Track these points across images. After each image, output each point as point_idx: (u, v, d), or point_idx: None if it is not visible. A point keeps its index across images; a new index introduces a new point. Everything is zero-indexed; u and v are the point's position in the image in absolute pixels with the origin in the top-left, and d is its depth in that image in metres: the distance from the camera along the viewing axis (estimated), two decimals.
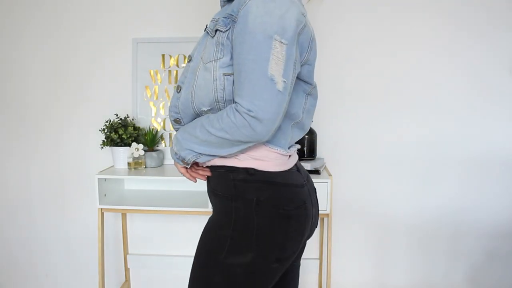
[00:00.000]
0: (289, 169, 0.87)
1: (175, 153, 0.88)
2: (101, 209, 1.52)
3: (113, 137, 1.61)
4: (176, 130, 0.93)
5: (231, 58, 0.79)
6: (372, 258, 1.81)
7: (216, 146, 0.80)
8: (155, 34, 1.75)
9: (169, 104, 0.93)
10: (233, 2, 0.80)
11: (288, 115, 0.85)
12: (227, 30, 0.78)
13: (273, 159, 0.85)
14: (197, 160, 0.86)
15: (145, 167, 1.66)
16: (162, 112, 1.77)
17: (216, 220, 0.86)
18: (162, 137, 1.77)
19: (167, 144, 1.77)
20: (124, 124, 1.66)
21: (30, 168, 1.87)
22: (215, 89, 0.80)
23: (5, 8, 1.80)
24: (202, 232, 0.89)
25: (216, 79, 0.79)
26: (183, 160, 0.87)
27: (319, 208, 0.97)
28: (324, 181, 1.42)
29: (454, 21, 1.64)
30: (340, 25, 1.68)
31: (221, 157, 0.84)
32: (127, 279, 1.89)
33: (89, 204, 1.85)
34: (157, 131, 1.75)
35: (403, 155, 1.73)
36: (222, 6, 0.90)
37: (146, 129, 1.73)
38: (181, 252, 1.86)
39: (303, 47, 0.81)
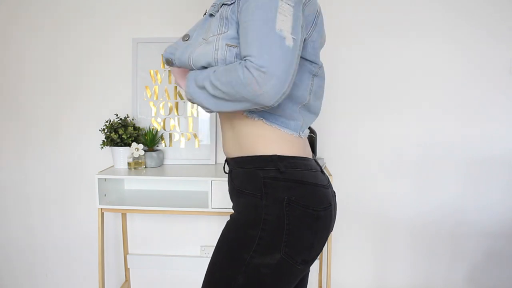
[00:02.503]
0: (316, 169, 0.87)
1: (187, 95, 0.85)
2: (101, 209, 1.52)
3: (113, 137, 1.61)
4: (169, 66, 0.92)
5: (236, 32, 0.78)
6: (372, 258, 1.81)
7: (221, 100, 0.77)
8: (155, 34, 1.75)
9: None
10: None
11: (293, 98, 0.83)
12: (232, 3, 0.78)
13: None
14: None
15: (145, 167, 1.66)
16: (162, 112, 1.77)
17: (241, 220, 0.84)
18: (162, 137, 1.77)
19: (167, 144, 1.77)
20: (124, 124, 1.66)
21: (30, 168, 1.87)
22: (216, 58, 0.78)
23: (4, 8, 1.80)
24: (224, 232, 0.87)
25: (217, 49, 0.78)
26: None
27: None
28: None
29: (454, 21, 1.64)
30: (340, 24, 1.68)
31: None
32: (127, 279, 1.89)
33: (89, 204, 1.85)
34: (157, 131, 1.75)
35: (403, 155, 1.73)
36: None
37: (146, 129, 1.73)
38: (181, 252, 1.86)
39: (308, 20, 0.80)
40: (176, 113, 1.77)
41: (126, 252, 1.86)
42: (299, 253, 0.81)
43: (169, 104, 1.77)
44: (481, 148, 1.69)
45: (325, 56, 1.67)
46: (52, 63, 1.81)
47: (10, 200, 1.91)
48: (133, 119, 1.75)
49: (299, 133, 0.86)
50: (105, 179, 1.52)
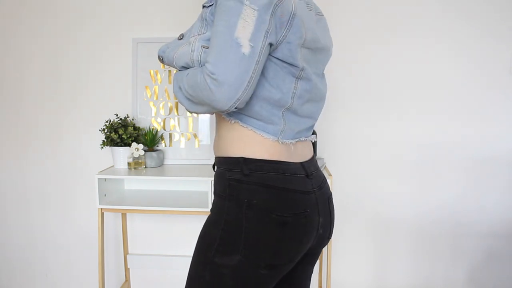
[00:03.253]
0: (293, 174, 0.83)
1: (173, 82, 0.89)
2: (101, 209, 1.52)
3: (113, 137, 1.61)
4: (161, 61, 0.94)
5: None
6: (372, 258, 1.81)
7: (190, 102, 0.81)
8: (155, 34, 1.75)
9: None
10: None
11: (271, 101, 0.81)
12: (210, 5, 0.80)
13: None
14: None
15: (145, 167, 1.66)
16: (162, 112, 1.77)
17: (210, 219, 0.87)
18: (162, 137, 1.77)
19: (167, 144, 1.77)
20: (124, 124, 1.66)
21: (30, 168, 1.87)
22: (192, 60, 0.80)
23: (4, 8, 1.80)
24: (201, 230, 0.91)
25: (194, 50, 0.80)
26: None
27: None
28: None
29: (455, 21, 1.64)
30: (340, 25, 1.68)
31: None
32: (127, 279, 1.89)
33: (89, 204, 1.85)
34: (157, 131, 1.75)
35: (403, 154, 1.73)
36: None
37: (146, 129, 1.73)
38: (181, 252, 1.86)
39: (281, 21, 0.76)
40: (176, 113, 1.77)
41: (126, 252, 1.86)
42: (260, 257, 0.80)
43: (169, 104, 1.77)
44: (481, 148, 1.69)
45: None
46: (52, 63, 1.81)
47: (10, 200, 1.91)
48: (133, 119, 1.75)
49: (278, 138, 0.83)
50: (105, 179, 1.52)
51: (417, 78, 1.68)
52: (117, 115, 1.71)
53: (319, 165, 1.54)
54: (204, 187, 1.68)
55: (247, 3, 0.72)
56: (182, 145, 1.77)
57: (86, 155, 1.83)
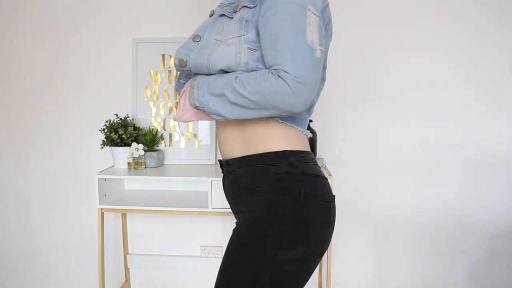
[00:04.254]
0: (318, 164, 0.90)
1: (193, 103, 0.84)
2: (101, 209, 1.52)
3: (113, 137, 1.61)
4: (179, 71, 0.90)
5: (256, 34, 0.78)
6: (372, 258, 1.81)
7: (244, 108, 0.77)
8: (155, 34, 1.75)
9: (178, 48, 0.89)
10: None
11: None
12: (254, 6, 0.79)
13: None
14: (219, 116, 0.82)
15: (145, 167, 1.66)
16: (162, 112, 1.77)
17: (258, 218, 0.82)
18: (162, 137, 1.77)
19: (167, 144, 1.77)
20: (124, 124, 1.66)
21: (30, 168, 1.87)
22: (238, 62, 0.78)
23: (4, 8, 1.80)
24: (237, 233, 0.86)
25: (240, 52, 0.78)
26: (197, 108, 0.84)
27: None
28: None
29: (455, 21, 1.64)
30: (341, 26, 1.68)
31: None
32: (127, 279, 1.89)
33: (89, 204, 1.85)
34: (157, 131, 1.75)
35: (403, 154, 1.73)
36: None
37: (146, 129, 1.73)
38: (181, 252, 1.86)
39: (325, 27, 0.83)
40: (176, 113, 1.76)
41: (126, 252, 1.86)
42: (318, 244, 0.83)
43: (169, 104, 1.77)
44: (481, 148, 1.69)
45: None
46: (52, 63, 1.81)
47: (11, 199, 1.91)
48: (133, 119, 1.75)
49: (304, 130, 0.89)
50: (105, 179, 1.52)
51: (417, 78, 1.68)
52: (117, 115, 1.71)
53: (319, 165, 1.54)
54: (204, 187, 1.68)
55: (310, 8, 0.75)
56: (182, 145, 1.77)
57: (86, 155, 1.83)
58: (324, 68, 0.91)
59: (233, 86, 0.76)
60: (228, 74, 0.80)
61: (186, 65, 0.86)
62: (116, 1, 1.76)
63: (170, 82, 1.76)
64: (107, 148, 1.68)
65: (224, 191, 0.99)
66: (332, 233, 0.87)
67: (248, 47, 0.78)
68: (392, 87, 1.70)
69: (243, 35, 0.79)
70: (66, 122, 1.83)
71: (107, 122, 1.66)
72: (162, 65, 1.75)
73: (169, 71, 1.76)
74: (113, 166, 1.69)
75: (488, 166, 1.70)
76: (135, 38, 1.75)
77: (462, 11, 1.63)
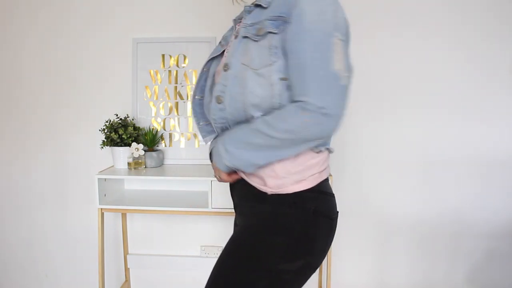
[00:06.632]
0: (328, 177, 0.90)
1: (225, 165, 0.84)
2: (101, 209, 1.52)
3: (113, 137, 1.61)
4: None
5: (285, 60, 0.77)
6: (372, 258, 1.81)
7: (277, 149, 0.77)
8: (155, 34, 1.75)
9: (212, 115, 0.87)
10: (273, 5, 0.80)
11: None
12: (280, 32, 0.77)
13: (326, 162, 0.89)
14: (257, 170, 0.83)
15: (145, 167, 1.66)
16: (162, 112, 1.77)
17: (265, 226, 0.83)
18: (162, 137, 1.77)
19: (167, 144, 1.77)
20: (124, 124, 1.66)
21: (30, 168, 1.87)
22: (272, 95, 0.78)
23: (5, 9, 1.80)
24: (240, 236, 0.87)
25: (273, 84, 0.78)
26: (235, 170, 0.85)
27: None
28: None
29: (455, 21, 1.64)
30: None
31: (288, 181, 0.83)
32: (127, 279, 1.89)
33: (89, 204, 1.85)
34: (157, 131, 1.75)
35: (403, 155, 1.72)
36: (249, 12, 0.87)
37: (146, 129, 1.73)
38: (181, 252, 1.86)
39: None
40: (176, 113, 1.77)
41: (126, 252, 1.86)
42: (318, 259, 0.85)
43: (169, 104, 1.77)
44: (481, 148, 1.69)
45: None
46: (52, 63, 1.81)
47: (10, 199, 1.91)
48: (133, 119, 1.75)
49: (328, 145, 0.90)
50: (105, 179, 1.52)
51: (418, 78, 1.68)
52: (117, 115, 1.71)
53: None
54: (204, 187, 1.68)
55: (336, 34, 0.75)
56: (182, 145, 1.77)
57: (86, 155, 1.83)
58: None
59: (260, 130, 0.77)
60: (249, 124, 0.79)
61: (222, 102, 0.84)
62: (116, 1, 1.76)
63: (170, 82, 1.76)
64: (107, 148, 1.68)
65: (231, 189, 0.99)
66: (329, 247, 0.89)
67: (279, 78, 0.78)
68: (393, 87, 1.70)
69: (274, 63, 0.77)
70: (66, 122, 1.83)
71: (107, 122, 1.66)
72: (162, 65, 1.75)
73: (169, 71, 1.76)
74: (113, 166, 1.69)
75: (488, 166, 1.70)
76: (135, 38, 1.75)
77: (462, 10, 1.63)
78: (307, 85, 0.73)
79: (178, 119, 1.77)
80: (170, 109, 1.77)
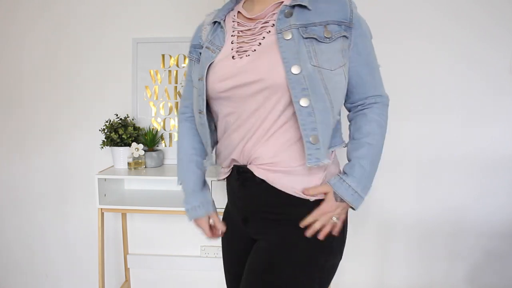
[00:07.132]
0: None
1: (363, 198, 0.92)
2: (101, 209, 1.52)
3: (113, 137, 1.61)
4: (310, 153, 0.86)
5: (348, 62, 0.86)
6: (372, 258, 1.81)
7: (377, 162, 0.95)
8: (155, 34, 1.75)
9: (301, 125, 0.82)
10: (319, 8, 0.83)
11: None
12: (349, 36, 0.85)
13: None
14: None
15: (145, 167, 1.66)
16: (162, 112, 1.77)
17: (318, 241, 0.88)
18: (162, 137, 1.77)
19: (167, 144, 1.77)
20: (124, 124, 1.66)
21: (30, 168, 1.87)
22: (345, 92, 0.89)
23: (5, 9, 1.80)
24: (282, 241, 0.86)
25: (348, 83, 0.88)
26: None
27: None
28: None
29: (455, 21, 1.64)
30: None
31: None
32: (127, 279, 1.89)
33: (89, 204, 1.85)
34: (157, 131, 1.75)
35: (402, 154, 1.72)
36: (283, 12, 0.83)
37: (146, 129, 1.73)
38: (181, 252, 1.86)
39: None
40: (176, 113, 1.77)
41: (126, 252, 1.86)
42: (343, 251, 0.98)
43: (169, 104, 1.77)
44: (481, 148, 1.69)
45: None
46: (52, 63, 1.81)
47: (10, 199, 1.91)
48: (133, 119, 1.75)
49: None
50: (105, 179, 1.52)
51: (418, 79, 1.68)
52: (117, 115, 1.71)
53: None
54: None
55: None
56: None
57: (86, 155, 1.83)
58: None
59: (371, 152, 0.92)
60: (356, 144, 0.97)
61: (319, 141, 0.87)
62: (116, 1, 1.76)
63: (170, 82, 1.76)
64: (107, 148, 1.68)
65: (235, 197, 1.00)
66: None
67: (346, 77, 0.87)
68: (393, 87, 1.68)
69: (345, 64, 0.84)
70: (66, 122, 1.83)
71: (107, 122, 1.66)
72: (162, 65, 1.75)
73: (169, 71, 1.76)
74: (113, 166, 1.69)
75: (487, 165, 1.70)
76: (135, 38, 1.75)
77: (462, 10, 1.63)
78: (377, 82, 0.88)
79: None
80: (170, 109, 1.77)
